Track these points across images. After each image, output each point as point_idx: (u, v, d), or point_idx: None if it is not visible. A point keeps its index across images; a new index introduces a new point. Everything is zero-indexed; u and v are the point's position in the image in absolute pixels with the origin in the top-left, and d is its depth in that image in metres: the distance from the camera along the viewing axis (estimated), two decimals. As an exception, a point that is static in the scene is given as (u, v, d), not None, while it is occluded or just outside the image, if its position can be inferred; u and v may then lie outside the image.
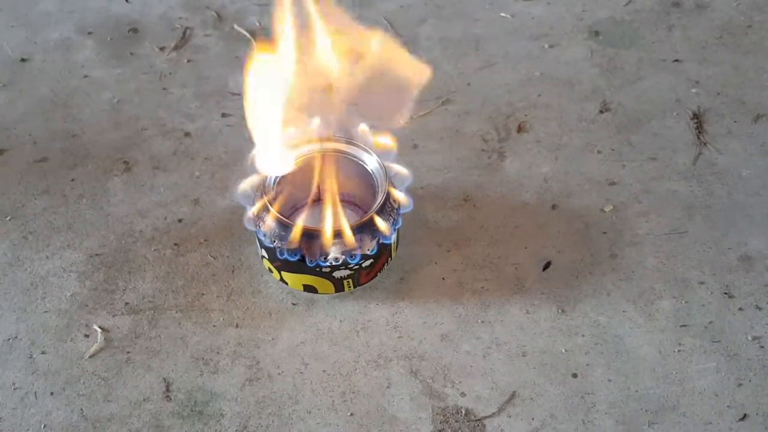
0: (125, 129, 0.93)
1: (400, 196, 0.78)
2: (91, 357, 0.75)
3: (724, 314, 0.77)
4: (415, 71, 0.76)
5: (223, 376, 0.74)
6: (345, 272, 0.75)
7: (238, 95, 0.96)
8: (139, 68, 1.00)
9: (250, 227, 0.76)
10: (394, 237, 0.77)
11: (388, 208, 0.76)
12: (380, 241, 0.75)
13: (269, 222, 0.74)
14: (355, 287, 0.78)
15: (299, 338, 0.76)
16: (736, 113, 0.94)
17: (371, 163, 0.78)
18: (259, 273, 0.80)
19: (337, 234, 0.73)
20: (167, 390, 0.73)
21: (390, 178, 0.77)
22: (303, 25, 0.75)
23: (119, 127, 0.93)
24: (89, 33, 1.04)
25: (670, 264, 0.81)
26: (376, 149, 0.79)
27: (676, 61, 1.00)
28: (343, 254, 0.74)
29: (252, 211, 0.76)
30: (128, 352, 0.75)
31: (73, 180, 0.88)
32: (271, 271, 0.78)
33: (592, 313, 0.77)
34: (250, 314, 0.78)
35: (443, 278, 0.80)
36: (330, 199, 0.76)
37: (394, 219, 0.76)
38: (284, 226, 0.74)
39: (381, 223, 0.74)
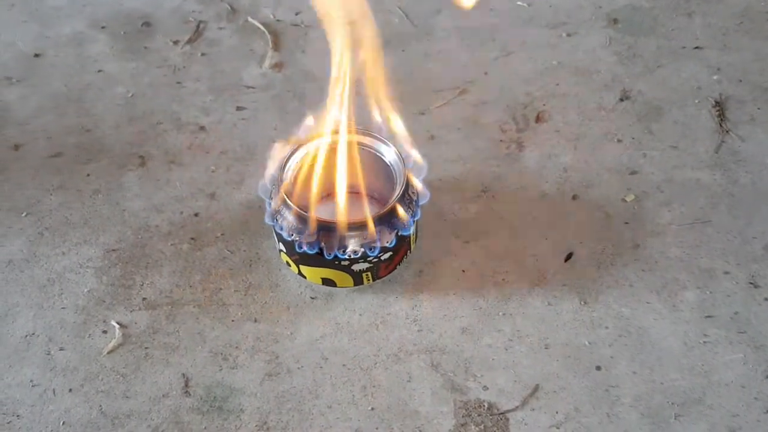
0: (140, 123, 0.93)
1: (417, 186, 0.77)
2: (109, 353, 0.74)
3: (749, 304, 0.76)
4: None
5: (242, 371, 0.73)
6: (364, 265, 0.74)
7: (253, 88, 0.96)
8: (153, 62, 0.99)
9: (269, 221, 0.75)
10: (413, 229, 0.76)
11: (406, 199, 0.75)
12: (399, 234, 0.74)
13: (288, 215, 0.73)
14: (374, 280, 0.77)
15: (318, 332, 0.75)
16: (758, 100, 0.93)
17: (389, 154, 0.78)
18: (276, 267, 0.80)
19: (356, 226, 0.72)
20: (186, 385, 0.72)
21: (408, 170, 0.77)
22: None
23: (134, 121, 0.93)
24: (102, 27, 1.03)
25: (693, 254, 0.80)
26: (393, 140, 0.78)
27: (697, 48, 0.98)
28: (362, 247, 0.73)
29: (271, 204, 0.75)
30: (146, 348, 0.75)
31: (88, 175, 0.88)
32: (289, 264, 0.78)
33: (615, 304, 0.76)
34: (268, 308, 0.77)
35: (463, 271, 0.79)
36: (349, 191, 0.75)
37: (413, 211, 0.75)
38: (303, 220, 0.73)
39: (400, 215, 0.73)
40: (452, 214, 0.84)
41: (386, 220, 0.73)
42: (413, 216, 0.75)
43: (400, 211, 0.74)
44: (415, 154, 0.79)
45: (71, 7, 1.06)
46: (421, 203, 0.77)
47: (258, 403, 0.71)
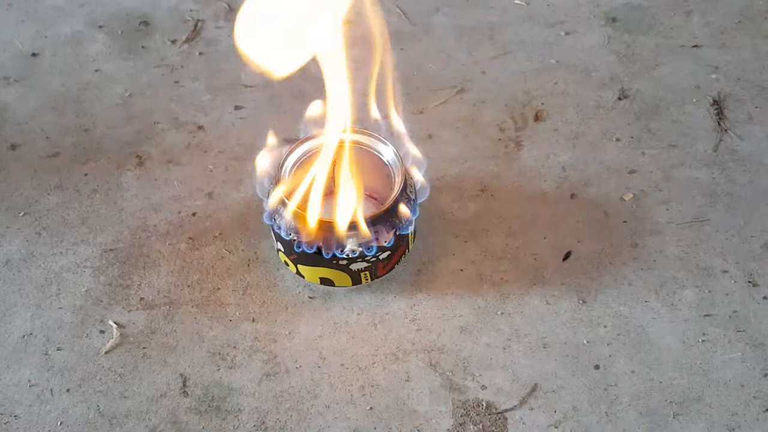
0: (137, 123, 0.92)
1: (417, 183, 0.77)
2: (107, 353, 0.74)
3: (748, 303, 0.76)
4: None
5: (241, 370, 0.73)
6: (362, 264, 0.74)
7: (251, 87, 0.95)
8: (151, 62, 0.99)
9: (267, 221, 0.75)
10: (411, 228, 0.75)
11: (404, 199, 0.75)
12: (397, 233, 0.74)
13: (286, 215, 0.73)
14: (372, 280, 0.77)
15: (316, 332, 0.75)
16: (757, 99, 0.92)
17: (387, 153, 0.77)
18: (274, 266, 0.80)
19: (354, 226, 0.72)
20: (184, 385, 0.72)
21: (406, 169, 0.76)
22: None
23: (131, 121, 0.93)
24: (100, 27, 1.03)
25: (692, 252, 0.80)
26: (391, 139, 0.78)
27: (695, 46, 0.98)
28: (360, 246, 0.73)
29: (269, 204, 0.75)
30: (144, 348, 0.74)
31: (86, 175, 0.87)
32: (287, 264, 0.77)
33: (613, 303, 0.76)
34: (266, 308, 0.77)
35: (461, 270, 0.79)
36: (346, 190, 0.75)
37: (411, 209, 0.75)
38: (301, 219, 0.72)
39: (399, 214, 0.73)
40: (450, 213, 0.83)
41: (384, 219, 0.73)
42: (412, 215, 0.75)
43: (399, 210, 0.73)
44: (414, 150, 0.79)
45: (69, 7, 1.06)
46: (420, 201, 0.77)
47: (256, 403, 0.71)
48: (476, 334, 0.75)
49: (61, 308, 0.77)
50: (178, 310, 0.77)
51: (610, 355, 0.73)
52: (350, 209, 0.74)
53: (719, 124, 0.90)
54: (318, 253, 0.73)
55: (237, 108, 0.94)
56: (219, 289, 0.78)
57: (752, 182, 0.85)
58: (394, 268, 0.78)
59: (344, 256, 0.73)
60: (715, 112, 0.91)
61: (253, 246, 0.81)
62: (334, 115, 0.78)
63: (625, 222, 0.82)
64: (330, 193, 0.81)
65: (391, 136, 0.79)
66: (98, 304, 0.77)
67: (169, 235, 0.82)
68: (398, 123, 0.79)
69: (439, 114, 0.92)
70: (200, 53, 1.00)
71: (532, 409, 0.70)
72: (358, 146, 0.78)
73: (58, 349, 0.75)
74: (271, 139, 0.79)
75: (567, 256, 0.80)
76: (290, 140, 0.79)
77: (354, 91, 0.75)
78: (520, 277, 0.78)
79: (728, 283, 0.77)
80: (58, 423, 0.70)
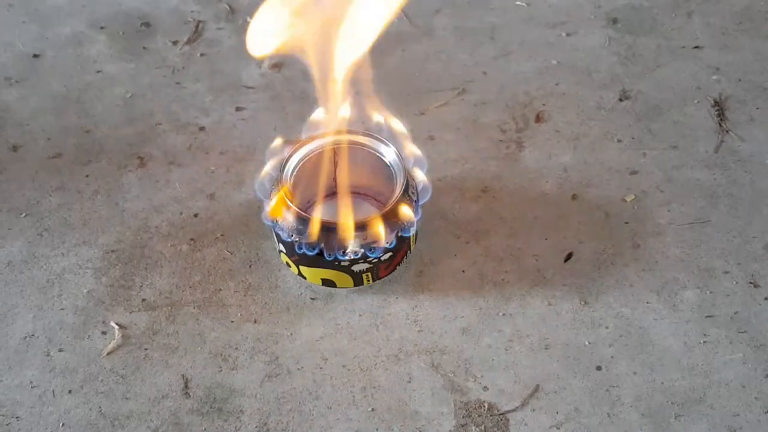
0: (139, 124, 0.92)
1: (419, 185, 0.77)
2: (108, 354, 0.74)
3: (750, 304, 0.76)
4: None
5: (242, 372, 0.73)
6: (364, 266, 0.74)
7: (252, 88, 0.96)
8: (152, 63, 0.99)
9: (268, 222, 0.75)
10: (413, 230, 0.76)
11: (406, 200, 0.75)
12: (399, 234, 0.74)
13: (287, 216, 0.73)
14: (374, 281, 0.77)
15: (318, 333, 0.75)
16: (758, 100, 0.92)
17: (389, 155, 0.77)
18: (276, 268, 0.80)
19: (358, 227, 0.72)
20: (186, 387, 0.72)
21: (408, 170, 0.76)
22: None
23: (133, 122, 0.93)
24: (101, 27, 1.03)
25: (693, 253, 0.80)
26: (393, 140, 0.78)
27: (696, 47, 0.98)
28: (362, 247, 0.73)
29: (270, 205, 0.75)
30: (146, 349, 0.75)
31: (87, 176, 0.88)
32: (288, 265, 0.77)
33: (615, 304, 0.76)
34: (268, 309, 0.77)
35: (463, 271, 0.79)
36: (348, 191, 0.75)
37: (413, 211, 0.75)
38: (303, 220, 0.73)
39: (401, 215, 0.73)
40: (452, 214, 0.84)
41: (386, 220, 0.73)
42: (413, 216, 0.75)
43: (401, 211, 0.73)
44: (415, 149, 0.79)
45: (70, 7, 1.06)
46: (421, 202, 0.77)
47: (258, 405, 0.71)
48: (478, 335, 0.75)
49: (62, 309, 0.77)
50: (179, 311, 0.77)
51: (611, 357, 0.73)
52: (354, 210, 0.74)
53: (720, 125, 0.90)
54: (320, 255, 0.73)
55: (238, 109, 0.94)
56: (221, 290, 0.78)
57: (753, 183, 0.85)
58: (395, 269, 0.78)
59: (346, 257, 0.73)
60: (717, 113, 0.91)
61: (254, 247, 0.81)
62: (335, 116, 0.78)
63: (626, 223, 0.82)
64: (332, 194, 0.81)
65: (392, 137, 0.79)
66: (100, 305, 0.77)
67: (171, 236, 0.82)
68: (398, 124, 0.79)
69: (441, 115, 0.92)
70: (201, 54, 1.00)
71: (533, 410, 0.70)
72: (359, 147, 0.78)
73: (60, 350, 0.75)
74: (274, 140, 0.79)
75: (568, 257, 0.80)
76: (292, 141, 0.79)
77: (354, 93, 0.76)
78: (521, 278, 0.78)
79: (730, 284, 0.77)
80: (60, 424, 0.70)
